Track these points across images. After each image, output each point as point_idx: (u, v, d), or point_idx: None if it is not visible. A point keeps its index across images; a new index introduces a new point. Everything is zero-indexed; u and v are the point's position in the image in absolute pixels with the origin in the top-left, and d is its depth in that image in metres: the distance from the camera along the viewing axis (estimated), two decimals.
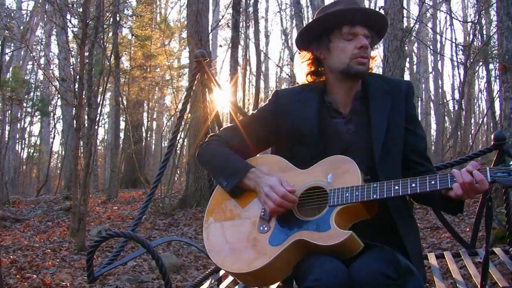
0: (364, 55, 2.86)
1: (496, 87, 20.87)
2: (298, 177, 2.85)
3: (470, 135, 24.91)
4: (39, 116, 29.22)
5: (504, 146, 3.57)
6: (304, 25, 3.64)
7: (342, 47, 2.88)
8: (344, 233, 2.51)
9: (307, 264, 2.58)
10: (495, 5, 11.33)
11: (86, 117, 11.65)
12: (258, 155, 3.17)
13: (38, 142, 33.31)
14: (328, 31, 2.92)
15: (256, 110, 3.30)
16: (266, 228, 2.74)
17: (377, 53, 3.12)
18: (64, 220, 13.83)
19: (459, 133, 19.81)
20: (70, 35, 15.89)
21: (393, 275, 2.42)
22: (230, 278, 3.84)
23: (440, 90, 32.89)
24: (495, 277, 3.30)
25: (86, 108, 11.28)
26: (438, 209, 3.03)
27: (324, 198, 2.72)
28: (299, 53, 3.13)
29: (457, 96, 24.38)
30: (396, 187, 2.57)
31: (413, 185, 2.54)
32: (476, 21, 19.17)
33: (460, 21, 28.35)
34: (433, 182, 2.51)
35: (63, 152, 26.96)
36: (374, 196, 2.59)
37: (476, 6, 21.74)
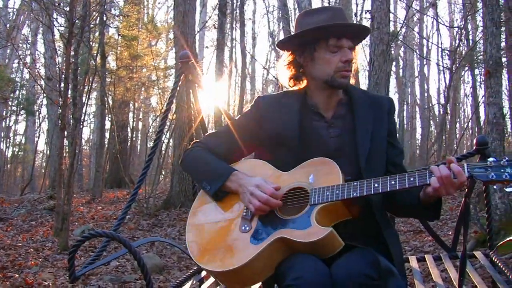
0: (348, 69, 2.91)
1: (481, 92, 20.99)
2: (280, 179, 2.88)
3: (455, 140, 25.04)
4: (24, 115, 29.13)
5: (486, 151, 3.59)
6: (291, 27, 3.67)
7: (327, 58, 2.92)
8: (325, 230, 2.53)
9: (287, 263, 2.59)
10: (481, 10, 11.40)
11: (71, 116, 11.62)
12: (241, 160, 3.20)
13: (23, 141, 33.19)
14: (314, 41, 2.95)
15: (238, 116, 3.32)
16: (248, 228, 2.76)
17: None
18: (47, 219, 13.78)
19: (444, 137, 19.93)
20: (57, 34, 15.85)
21: (374, 275, 2.44)
22: (212, 279, 3.84)
23: (426, 95, 33.05)
24: (475, 280, 3.32)
25: (71, 108, 11.26)
26: (416, 217, 3.05)
27: (306, 198, 2.75)
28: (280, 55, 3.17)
29: (442, 100, 24.49)
30: (376, 185, 2.61)
31: (393, 182, 2.58)
32: (462, 26, 19.29)
33: (446, 26, 28.40)
34: (412, 179, 2.55)
35: (48, 152, 26.84)
36: (354, 194, 2.62)
37: (462, 11, 21.84)
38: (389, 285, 2.56)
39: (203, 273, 3.97)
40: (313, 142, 2.96)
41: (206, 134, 3.50)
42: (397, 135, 3.19)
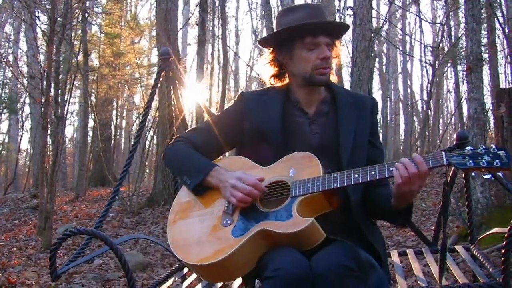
0: (326, 66, 2.94)
1: (464, 88, 21.12)
2: (261, 173, 2.90)
3: (438, 135, 25.16)
4: (7, 114, 28.95)
5: (466, 145, 3.62)
6: (274, 25, 3.69)
7: (304, 56, 2.95)
8: (306, 220, 2.56)
9: (268, 256, 2.62)
10: (463, 7, 11.47)
11: (53, 114, 11.58)
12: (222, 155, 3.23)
13: (6, 140, 32.98)
14: (291, 40, 2.98)
15: (221, 111, 3.36)
16: (229, 222, 2.78)
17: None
18: (31, 218, 13.73)
19: (427, 133, 20.00)
20: (39, 32, 15.77)
21: (353, 267, 2.47)
22: (194, 275, 3.86)
23: (409, 91, 33.20)
24: (455, 274, 3.35)
25: (53, 106, 11.21)
26: (389, 221, 3.09)
27: (287, 191, 2.78)
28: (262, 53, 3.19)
29: (425, 96, 24.62)
30: (356, 175, 2.66)
31: (372, 172, 2.63)
32: (444, 22, 19.37)
33: (429, 22, 28.52)
34: (391, 169, 2.59)
35: (32, 150, 26.74)
36: (335, 185, 2.66)
37: (445, 8, 21.94)
38: (369, 277, 2.58)
39: (185, 270, 3.99)
40: (296, 137, 3.00)
41: (189, 129, 3.52)
42: (379, 135, 3.22)
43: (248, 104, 3.10)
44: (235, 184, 2.79)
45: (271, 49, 3.11)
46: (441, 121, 31.47)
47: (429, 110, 20.76)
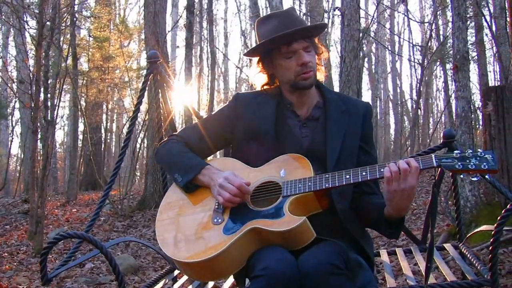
0: (307, 70, 2.97)
1: (453, 86, 21.19)
2: (251, 174, 2.94)
3: (428, 134, 25.22)
4: None
5: (453, 144, 3.65)
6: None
7: (284, 65, 3.00)
8: (298, 219, 2.59)
9: (256, 255, 2.64)
10: (450, 5, 11.55)
11: (43, 119, 11.58)
12: (216, 155, 3.26)
13: None
14: (269, 51, 3.03)
15: (215, 111, 3.39)
16: (220, 220, 2.81)
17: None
18: (22, 223, 13.71)
19: (417, 132, 20.07)
20: (28, 36, 15.75)
21: (341, 265, 2.49)
22: (185, 277, 3.87)
23: (398, 90, 33.23)
24: (444, 272, 3.37)
25: (43, 110, 11.21)
26: (378, 231, 3.12)
27: (278, 191, 2.82)
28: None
29: (415, 95, 24.70)
30: (347, 176, 2.69)
31: (364, 173, 2.66)
32: (432, 21, 19.44)
33: (417, 21, 28.63)
34: (382, 170, 2.63)
35: (22, 155, 26.66)
36: (326, 185, 2.69)
37: (432, 7, 22.01)
38: (358, 276, 2.62)
39: (176, 272, 4.00)
40: (287, 139, 3.04)
41: (182, 128, 3.53)
42: (373, 141, 3.23)
43: (242, 105, 3.14)
44: (222, 183, 2.83)
45: (257, 59, 3.15)
46: (431, 120, 31.56)
47: (418, 109, 20.87)
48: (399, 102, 29.98)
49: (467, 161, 2.52)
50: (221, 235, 2.73)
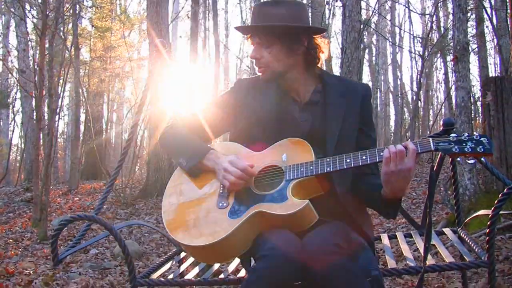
0: (258, 65, 3.13)
1: (453, 78, 21.20)
2: (254, 158, 3.01)
3: (428, 126, 25.24)
4: None
5: (452, 132, 3.72)
6: None
7: None
8: (301, 202, 2.67)
9: (262, 237, 2.72)
10: None
11: (46, 108, 11.63)
12: (216, 140, 3.33)
13: None
14: None
15: (217, 96, 3.47)
16: (225, 204, 2.89)
17: None
18: (25, 211, 13.77)
19: (417, 123, 20.09)
20: (30, 26, 15.78)
21: (344, 245, 2.57)
22: (190, 260, 3.94)
23: (399, 82, 33.19)
24: (443, 255, 3.42)
25: (47, 99, 11.28)
26: (377, 211, 3.18)
27: (280, 175, 2.89)
28: None
29: (415, 87, 24.69)
30: (348, 160, 2.76)
31: (364, 157, 2.74)
32: (433, 13, 19.46)
33: (418, 13, 28.63)
34: (381, 154, 2.70)
35: (23, 145, 26.67)
36: (328, 169, 2.76)
37: None
38: (360, 256, 2.69)
39: (182, 255, 4.07)
40: (287, 124, 3.11)
41: (187, 112, 3.60)
42: (373, 122, 3.29)
43: (243, 90, 3.23)
44: (227, 167, 2.90)
45: None
46: (431, 111, 31.55)
47: (419, 101, 20.87)
48: (399, 93, 29.97)
49: (464, 144, 2.60)
50: (227, 219, 2.81)
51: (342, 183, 2.96)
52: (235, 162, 2.91)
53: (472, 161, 2.70)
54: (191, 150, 3.12)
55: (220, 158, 3.01)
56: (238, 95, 3.23)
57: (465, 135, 2.63)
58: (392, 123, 34.63)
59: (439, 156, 3.38)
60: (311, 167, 2.81)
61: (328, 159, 2.80)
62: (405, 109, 30.76)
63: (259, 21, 3.07)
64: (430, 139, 2.68)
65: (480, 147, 2.57)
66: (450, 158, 3.12)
